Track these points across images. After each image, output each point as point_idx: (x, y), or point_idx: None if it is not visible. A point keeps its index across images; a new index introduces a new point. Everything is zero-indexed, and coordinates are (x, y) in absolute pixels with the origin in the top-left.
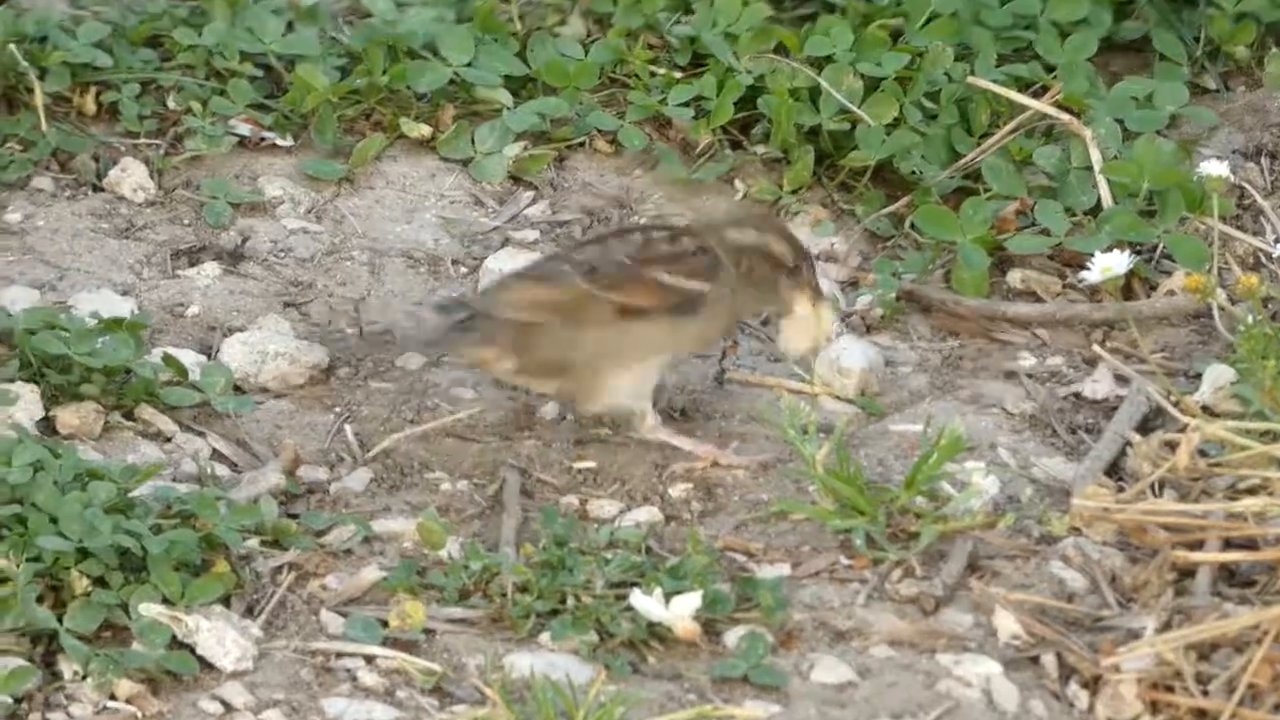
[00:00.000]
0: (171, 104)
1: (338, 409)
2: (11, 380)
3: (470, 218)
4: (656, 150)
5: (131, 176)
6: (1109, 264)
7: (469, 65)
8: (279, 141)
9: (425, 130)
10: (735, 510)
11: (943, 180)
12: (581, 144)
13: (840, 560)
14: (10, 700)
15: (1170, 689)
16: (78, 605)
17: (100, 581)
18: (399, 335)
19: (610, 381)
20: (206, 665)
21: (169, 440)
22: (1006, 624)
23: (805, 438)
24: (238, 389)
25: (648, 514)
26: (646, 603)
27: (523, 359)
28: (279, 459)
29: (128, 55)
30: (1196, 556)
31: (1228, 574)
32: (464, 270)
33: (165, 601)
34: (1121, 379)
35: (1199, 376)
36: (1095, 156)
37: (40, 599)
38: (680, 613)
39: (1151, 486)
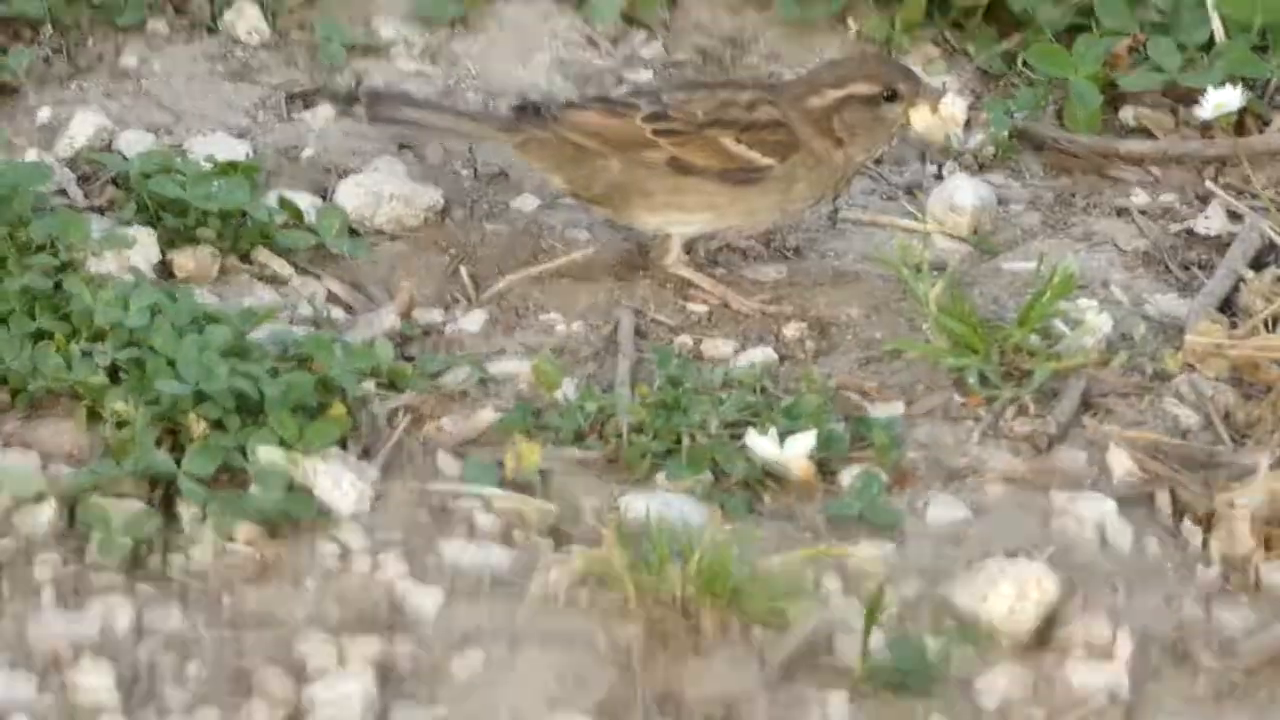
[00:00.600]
0: None
1: (452, 251)
2: (128, 224)
3: (584, 59)
4: None
5: (246, 19)
6: (1222, 100)
7: None
8: None
9: None
10: (849, 349)
11: (1055, 17)
12: None
13: (954, 398)
14: (130, 543)
15: None
16: (196, 448)
17: (218, 425)
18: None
19: (649, 218)
20: (324, 508)
21: (285, 283)
22: (1120, 461)
23: (919, 276)
24: (353, 231)
25: (762, 354)
26: (762, 443)
27: (572, 180)
28: (394, 301)
29: None
30: None
31: None
32: None
33: (282, 444)
34: (1234, 215)
35: None
36: None
37: (159, 443)
38: (795, 452)
39: (1264, 322)
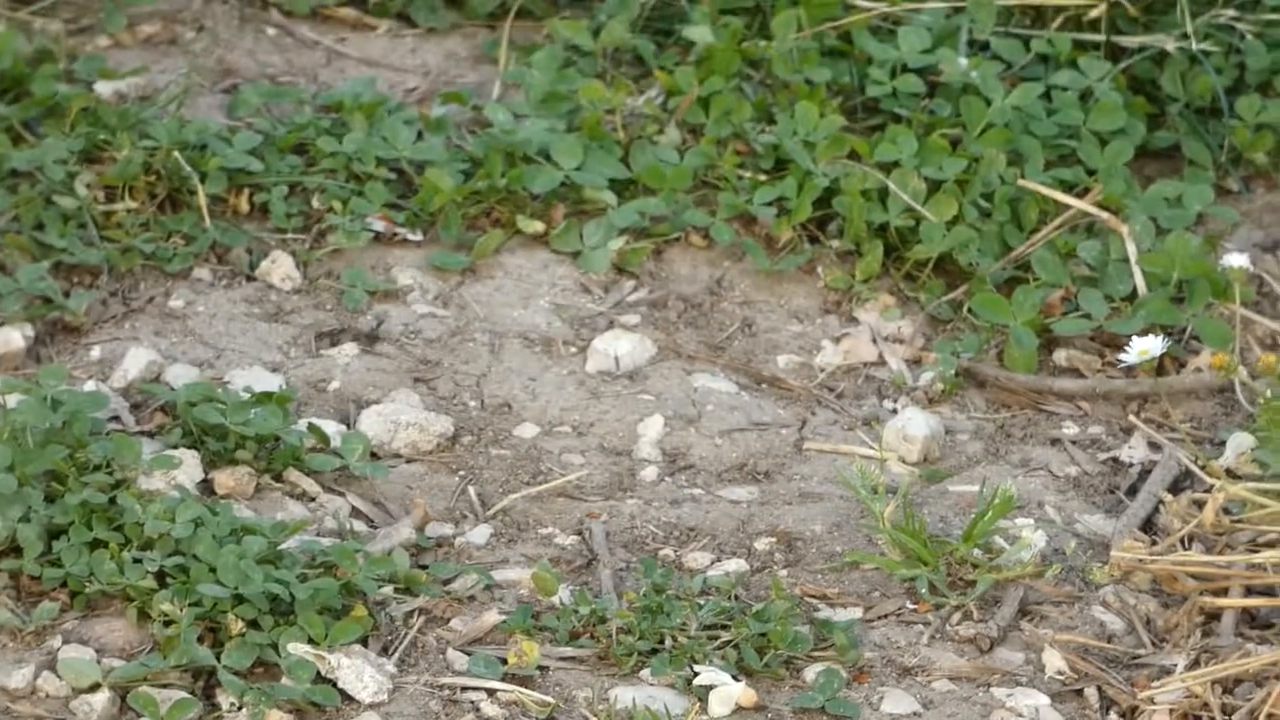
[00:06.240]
0: (315, 203)
1: (462, 472)
2: (175, 446)
3: (579, 303)
4: (744, 244)
5: (280, 267)
6: (1144, 345)
7: (578, 169)
8: (410, 236)
9: (539, 226)
10: (813, 561)
11: (996, 270)
12: (677, 239)
13: (906, 605)
14: None
15: (1199, 719)
16: (234, 645)
17: (253, 624)
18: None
19: None
20: (347, 698)
21: (313, 500)
22: (1053, 661)
23: (875, 497)
24: (374, 455)
25: (736, 564)
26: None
27: None
28: (410, 516)
29: (277, 161)
30: (1222, 602)
31: (1249, 618)
32: (573, 349)
33: (310, 642)
34: (1154, 446)
35: (1223, 444)
36: (1131, 250)
37: (201, 639)
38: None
39: (1181, 540)
